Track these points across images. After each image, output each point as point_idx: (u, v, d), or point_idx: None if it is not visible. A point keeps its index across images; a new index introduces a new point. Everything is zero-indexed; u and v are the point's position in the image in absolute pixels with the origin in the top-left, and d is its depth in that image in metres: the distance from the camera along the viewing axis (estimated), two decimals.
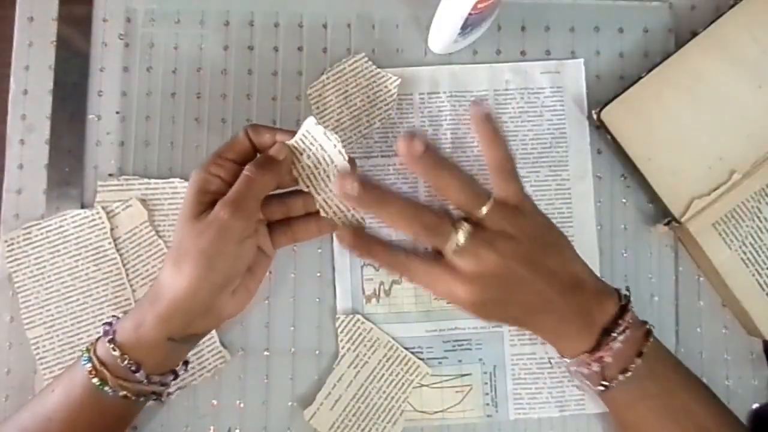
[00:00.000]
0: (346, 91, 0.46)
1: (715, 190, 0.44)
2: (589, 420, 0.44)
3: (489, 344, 0.45)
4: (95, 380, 0.35)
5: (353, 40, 0.47)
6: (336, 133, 0.46)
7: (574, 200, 0.46)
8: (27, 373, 0.44)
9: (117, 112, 0.46)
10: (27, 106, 0.46)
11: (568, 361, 0.39)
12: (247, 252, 0.37)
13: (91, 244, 0.44)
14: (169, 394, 0.40)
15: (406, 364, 0.44)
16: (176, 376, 0.39)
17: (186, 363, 0.40)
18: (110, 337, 0.36)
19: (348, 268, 0.45)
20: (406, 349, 0.44)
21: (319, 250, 0.45)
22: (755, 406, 0.45)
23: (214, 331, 0.43)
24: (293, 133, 0.38)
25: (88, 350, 0.37)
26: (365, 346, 0.44)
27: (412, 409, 0.44)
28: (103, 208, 0.44)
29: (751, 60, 0.44)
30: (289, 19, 0.47)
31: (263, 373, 0.44)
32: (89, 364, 0.36)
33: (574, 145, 0.46)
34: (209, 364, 0.43)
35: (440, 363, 0.45)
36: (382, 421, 0.44)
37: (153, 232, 0.45)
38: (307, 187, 0.39)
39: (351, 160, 0.38)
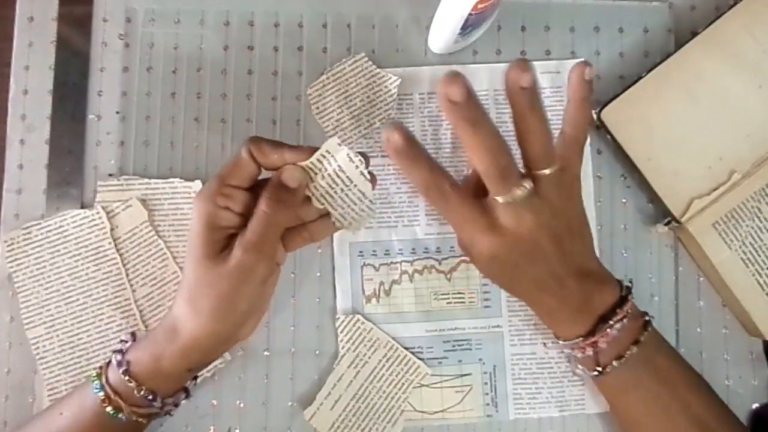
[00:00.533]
0: (346, 91, 0.46)
1: (715, 190, 0.44)
2: (589, 420, 0.44)
3: (489, 344, 0.45)
4: (108, 409, 0.35)
5: (353, 40, 0.47)
6: (336, 133, 0.46)
7: None
8: (27, 373, 0.44)
9: (117, 112, 0.46)
10: (27, 106, 0.46)
11: (562, 343, 0.39)
12: (270, 289, 0.36)
13: (91, 244, 0.44)
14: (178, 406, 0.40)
15: (406, 364, 0.44)
16: (188, 394, 0.39)
17: (195, 378, 0.40)
18: (125, 368, 0.36)
19: (348, 268, 0.45)
20: (406, 349, 0.44)
21: (319, 250, 0.45)
22: (755, 406, 0.45)
23: None
24: (299, 150, 0.36)
25: (98, 376, 0.36)
26: (365, 346, 0.44)
27: (412, 409, 0.44)
28: (103, 208, 0.44)
29: (751, 60, 0.44)
30: (289, 19, 0.47)
31: (263, 373, 0.44)
32: (102, 393, 0.36)
33: None
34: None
35: (440, 363, 0.45)
36: (382, 421, 0.44)
37: (153, 232, 0.45)
38: (322, 204, 0.37)
39: (372, 177, 0.37)
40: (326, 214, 0.38)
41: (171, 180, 0.45)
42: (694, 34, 0.45)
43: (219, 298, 0.34)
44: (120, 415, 0.35)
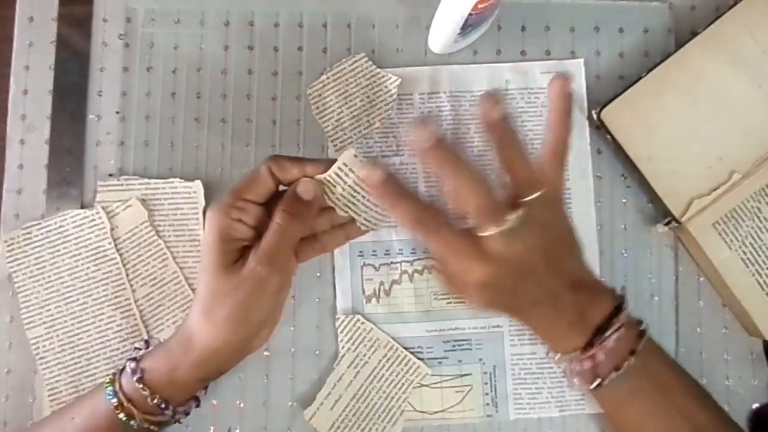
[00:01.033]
0: (346, 91, 0.46)
1: (715, 190, 0.44)
2: (589, 420, 0.44)
3: (489, 344, 0.45)
4: (121, 416, 0.36)
5: (353, 40, 0.47)
6: (336, 133, 0.46)
7: (574, 200, 0.46)
8: (27, 373, 0.44)
9: (117, 112, 0.46)
10: (27, 106, 0.46)
11: (560, 357, 0.39)
12: (283, 300, 0.36)
13: (91, 244, 0.44)
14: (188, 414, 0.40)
15: (406, 364, 0.44)
16: (198, 402, 0.39)
17: (206, 387, 0.40)
18: (139, 376, 0.36)
19: (348, 268, 0.45)
20: (406, 349, 0.44)
21: None
22: (755, 406, 0.45)
23: None
24: (318, 162, 0.36)
25: (111, 383, 0.37)
26: (365, 346, 0.44)
27: (412, 409, 0.44)
28: (103, 208, 0.44)
29: (751, 60, 0.44)
30: (289, 19, 0.47)
31: (263, 373, 0.44)
32: (115, 399, 0.36)
33: (574, 145, 0.46)
34: None
35: (440, 363, 0.45)
36: (382, 421, 0.44)
37: (153, 232, 0.45)
38: (346, 213, 0.37)
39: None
40: (338, 226, 0.39)
41: (171, 180, 0.45)
42: (694, 34, 0.45)
43: (234, 308, 0.34)
44: (132, 422, 0.36)
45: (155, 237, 0.45)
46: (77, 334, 0.44)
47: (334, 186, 0.36)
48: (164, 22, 0.47)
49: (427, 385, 0.44)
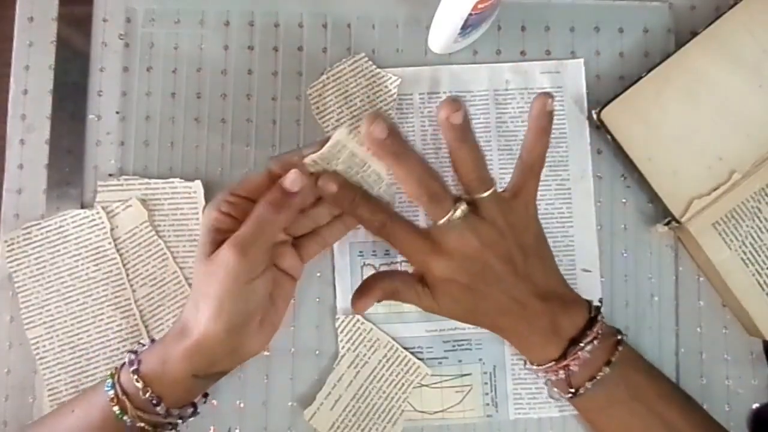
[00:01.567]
0: (346, 91, 0.46)
1: (715, 190, 0.44)
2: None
3: (489, 344, 0.45)
4: (115, 408, 0.35)
5: (353, 40, 0.47)
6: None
7: (574, 200, 0.46)
8: (27, 373, 0.44)
9: (117, 112, 0.46)
10: (27, 106, 0.46)
11: (536, 367, 0.40)
12: (258, 292, 0.36)
13: (91, 244, 0.44)
14: (184, 422, 0.40)
15: (406, 364, 0.44)
16: (195, 409, 0.39)
17: (206, 394, 0.40)
18: (135, 367, 0.36)
19: (348, 268, 0.45)
20: (405, 349, 0.44)
21: None
22: (755, 406, 0.45)
23: None
24: (315, 144, 0.37)
25: (112, 375, 0.37)
26: (365, 346, 0.44)
27: (412, 409, 0.44)
28: (103, 208, 0.44)
29: (751, 60, 0.44)
30: (289, 19, 0.47)
31: (263, 373, 0.44)
32: (112, 391, 0.36)
33: (574, 145, 0.46)
34: None
35: (440, 363, 0.45)
36: (382, 421, 0.44)
37: (153, 232, 0.45)
38: (349, 177, 0.38)
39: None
40: (337, 217, 0.39)
41: (171, 180, 0.45)
42: (694, 34, 0.45)
43: (210, 296, 0.34)
44: (125, 418, 0.35)
45: (155, 237, 0.45)
46: (77, 334, 0.44)
47: (328, 163, 0.37)
48: (164, 22, 0.47)
49: (427, 385, 0.44)
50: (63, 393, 0.43)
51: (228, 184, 0.45)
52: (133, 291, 0.44)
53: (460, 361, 0.45)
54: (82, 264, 0.44)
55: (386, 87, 0.46)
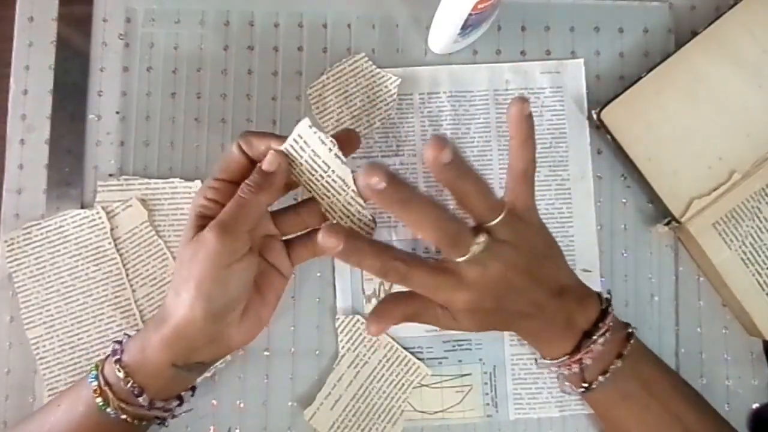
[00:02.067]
0: (346, 91, 0.46)
1: (715, 190, 0.44)
2: (589, 420, 0.44)
3: (489, 344, 0.45)
4: (98, 400, 0.35)
5: (353, 40, 0.47)
6: (336, 131, 0.46)
7: (574, 200, 0.46)
8: (27, 373, 0.44)
9: (117, 112, 0.46)
10: (27, 106, 0.46)
11: (549, 362, 0.39)
12: (239, 277, 0.35)
13: (91, 244, 0.44)
14: (174, 416, 0.39)
15: (405, 364, 0.44)
16: (182, 402, 0.38)
17: (193, 388, 0.39)
18: (117, 357, 0.35)
19: (348, 268, 0.45)
20: (405, 349, 0.44)
21: None
22: (755, 406, 0.45)
23: None
24: (284, 138, 0.36)
25: (96, 367, 0.36)
26: (365, 346, 0.44)
27: (412, 409, 0.44)
28: (103, 208, 0.44)
29: (751, 60, 0.44)
30: (289, 19, 0.47)
31: (263, 373, 0.44)
32: (95, 382, 0.35)
33: (574, 145, 0.46)
34: None
35: (440, 363, 0.45)
36: (382, 421, 0.44)
37: (153, 232, 0.45)
38: (310, 191, 0.37)
39: (353, 135, 0.37)
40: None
41: (171, 180, 0.45)
42: (694, 34, 0.45)
43: (190, 280, 0.34)
44: (108, 410, 0.35)
45: (155, 237, 0.45)
46: (77, 334, 0.44)
47: (293, 160, 0.36)
48: (164, 22, 0.47)
49: (427, 385, 0.44)
50: None
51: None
52: (133, 291, 0.44)
53: (460, 361, 0.45)
54: (82, 264, 0.44)
55: (386, 87, 0.46)
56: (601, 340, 0.37)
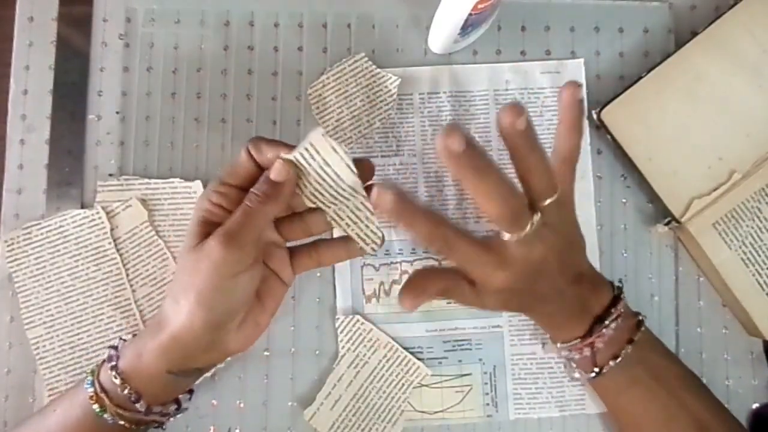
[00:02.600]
0: (346, 91, 0.46)
1: (715, 190, 0.44)
2: (589, 420, 0.44)
3: (489, 344, 0.45)
4: (95, 406, 0.35)
5: (353, 40, 0.47)
6: (336, 133, 0.46)
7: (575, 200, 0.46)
8: (27, 373, 0.44)
9: (117, 112, 0.46)
10: (27, 106, 0.46)
11: (560, 346, 0.40)
12: (243, 288, 0.34)
13: (91, 244, 0.44)
14: (170, 418, 0.39)
15: (405, 365, 0.44)
16: (179, 406, 0.38)
17: (191, 391, 0.39)
18: (113, 363, 0.35)
19: (348, 268, 0.45)
20: (405, 349, 0.44)
21: None
22: (755, 406, 0.45)
23: None
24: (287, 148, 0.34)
25: (93, 372, 0.36)
26: (365, 346, 0.44)
27: (412, 409, 0.44)
28: (103, 208, 0.44)
29: (751, 60, 0.44)
30: (289, 19, 0.47)
31: (263, 373, 0.44)
32: (91, 389, 0.35)
33: None
34: None
35: (440, 363, 0.45)
36: (382, 421, 0.44)
37: (153, 232, 0.45)
38: (313, 202, 0.35)
39: (367, 165, 0.35)
40: (341, 239, 0.37)
41: (171, 180, 0.45)
42: (694, 34, 0.45)
43: (192, 288, 0.33)
44: (105, 415, 0.35)
45: (155, 237, 0.45)
46: (77, 334, 0.44)
47: (302, 170, 0.34)
48: (164, 22, 0.47)
49: (427, 385, 0.44)
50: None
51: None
52: (133, 291, 0.44)
53: (460, 361, 0.45)
54: (82, 264, 0.44)
55: (386, 87, 0.46)
56: (613, 324, 0.37)
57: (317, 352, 0.45)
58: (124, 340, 0.37)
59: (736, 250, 0.44)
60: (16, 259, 0.44)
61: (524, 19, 0.48)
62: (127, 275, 0.44)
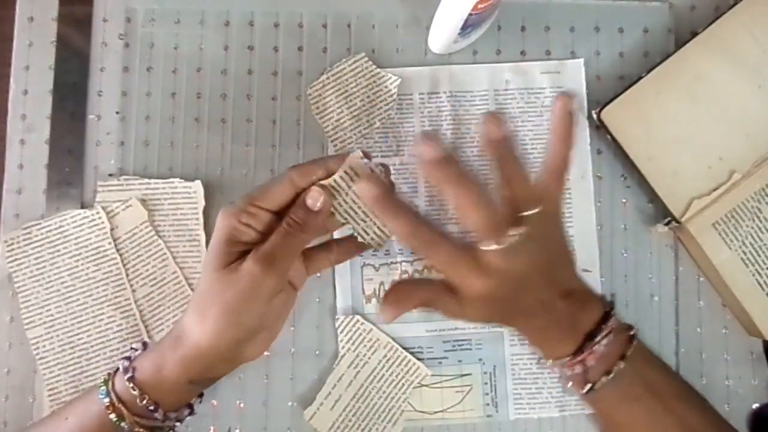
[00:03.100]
0: (346, 91, 0.46)
1: (715, 190, 0.44)
2: (589, 420, 0.44)
3: (489, 344, 0.45)
4: (112, 416, 0.35)
5: (353, 40, 0.47)
6: (336, 133, 0.46)
7: (574, 200, 0.46)
8: (27, 373, 0.44)
9: (117, 112, 0.46)
10: (27, 106, 0.46)
11: (551, 363, 0.39)
12: (277, 308, 0.35)
13: (91, 244, 0.44)
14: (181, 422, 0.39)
15: (405, 365, 0.44)
16: (192, 410, 0.39)
17: (201, 395, 0.40)
18: (130, 374, 0.35)
19: (348, 268, 0.45)
20: (405, 349, 0.44)
21: None
22: (755, 406, 0.45)
23: None
24: (338, 157, 0.35)
25: (105, 382, 0.36)
26: (365, 346, 0.44)
27: (412, 409, 0.44)
28: (103, 208, 0.44)
29: (751, 60, 0.44)
30: (289, 19, 0.47)
31: (263, 373, 0.44)
32: (107, 399, 0.35)
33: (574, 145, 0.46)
34: None
35: (440, 363, 0.45)
36: (382, 421, 0.44)
37: (153, 232, 0.45)
38: (345, 221, 0.36)
39: (388, 170, 0.36)
40: (349, 237, 0.38)
41: (171, 180, 0.45)
42: (694, 34, 0.45)
43: (224, 307, 0.34)
44: (123, 424, 0.35)
45: (155, 237, 0.45)
46: (77, 334, 0.44)
47: (338, 191, 0.35)
48: (164, 22, 0.47)
49: (427, 385, 0.44)
50: (63, 393, 0.43)
51: (228, 184, 0.45)
52: (133, 291, 0.44)
53: (460, 361, 0.45)
54: (82, 264, 0.44)
55: (386, 87, 0.46)
56: (604, 341, 0.37)
57: (317, 352, 0.45)
58: (135, 349, 0.37)
59: (736, 250, 0.44)
60: (16, 259, 0.44)
61: (524, 19, 0.48)
62: (127, 275, 0.44)
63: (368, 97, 0.46)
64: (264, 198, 0.35)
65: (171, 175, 0.45)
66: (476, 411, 0.44)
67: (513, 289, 0.35)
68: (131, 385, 0.35)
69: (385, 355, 0.44)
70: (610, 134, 0.45)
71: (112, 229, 0.44)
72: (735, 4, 0.45)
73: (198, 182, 0.45)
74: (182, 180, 0.45)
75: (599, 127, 0.45)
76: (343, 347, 0.44)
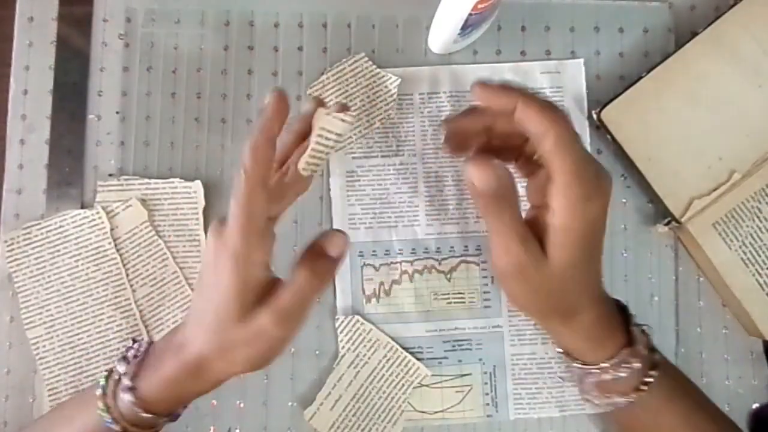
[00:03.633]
0: (346, 91, 0.46)
1: (715, 190, 0.44)
2: (589, 420, 0.44)
3: (489, 344, 0.45)
4: (117, 428, 0.34)
5: (353, 40, 0.47)
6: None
7: None
8: (27, 373, 0.44)
9: (117, 112, 0.46)
10: (27, 106, 0.46)
11: (603, 366, 0.36)
12: (286, 348, 0.34)
13: (91, 244, 0.44)
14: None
15: (405, 365, 0.44)
16: (186, 406, 0.38)
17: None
18: (130, 385, 0.34)
19: (348, 268, 0.45)
20: (405, 349, 0.44)
21: None
22: (755, 406, 0.45)
23: None
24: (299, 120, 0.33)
25: (106, 407, 0.34)
26: (365, 346, 0.44)
27: (412, 409, 0.44)
28: (103, 208, 0.44)
29: (751, 60, 0.44)
30: (289, 19, 0.47)
31: (263, 373, 0.44)
32: (108, 416, 0.34)
33: None
34: None
35: (440, 363, 0.45)
36: (382, 421, 0.44)
37: (153, 232, 0.45)
38: (314, 171, 0.33)
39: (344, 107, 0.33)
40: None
41: (171, 180, 0.45)
42: (694, 34, 0.45)
43: (242, 358, 0.33)
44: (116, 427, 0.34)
45: (155, 237, 0.45)
46: (77, 334, 0.44)
47: (315, 155, 0.32)
48: (164, 22, 0.47)
49: (427, 385, 0.44)
50: (63, 393, 0.43)
51: (228, 184, 0.45)
52: (133, 291, 0.44)
53: (460, 361, 0.45)
54: (82, 264, 0.44)
55: (386, 87, 0.46)
56: (644, 339, 0.36)
57: (317, 352, 0.45)
58: (127, 359, 0.35)
59: (736, 250, 0.44)
60: (16, 259, 0.44)
61: (524, 19, 0.48)
62: (127, 275, 0.44)
63: (368, 97, 0.46)
64: (253, 218, 0.31)
65: (171, 175, 0.45)
66: (476, 411, 0.44)
67: (595, 237, 0.35)
68: (133, 399, 0.34)
69: (385, 355, 0.44)
70: (610, 134, 0.45)
71: (112, 229, 0.44)
72: (735, 4, 0.45)
73: (198, 182, 0.45)
74: (182, 180, 0.45)
75: (599, 127, 0.45)
76: (343, 347, 0.44)
